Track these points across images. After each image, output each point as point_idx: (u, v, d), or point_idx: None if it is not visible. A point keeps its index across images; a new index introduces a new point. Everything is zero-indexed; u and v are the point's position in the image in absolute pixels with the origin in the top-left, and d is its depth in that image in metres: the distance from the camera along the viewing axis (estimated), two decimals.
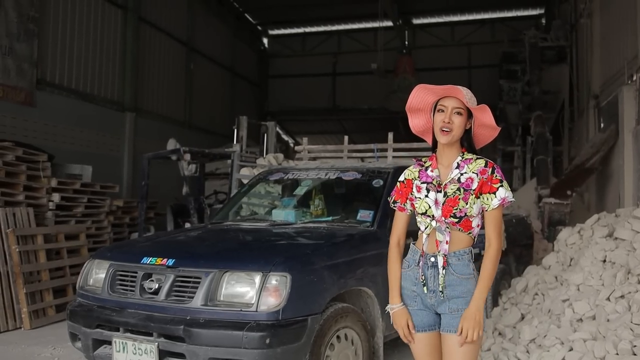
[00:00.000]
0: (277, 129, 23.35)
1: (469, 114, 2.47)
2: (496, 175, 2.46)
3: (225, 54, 19.28)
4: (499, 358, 4.79)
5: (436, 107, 2.49)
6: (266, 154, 9.01)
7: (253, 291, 3.41)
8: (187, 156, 8.74)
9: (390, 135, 6.60)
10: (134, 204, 9.85)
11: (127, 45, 13.30)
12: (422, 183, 2.56)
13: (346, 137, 6.97)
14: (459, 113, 2.44)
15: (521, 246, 7.15)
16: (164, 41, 15.25)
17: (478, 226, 2.52)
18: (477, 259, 2.55)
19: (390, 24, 19.19)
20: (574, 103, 13.85)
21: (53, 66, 11.23)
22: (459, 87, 2.43)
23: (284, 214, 5.27)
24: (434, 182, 2.51)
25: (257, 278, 3.42)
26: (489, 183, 2.45)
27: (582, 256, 5.79)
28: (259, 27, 22.25)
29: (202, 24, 17.26)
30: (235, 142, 9.19)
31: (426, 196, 2.52)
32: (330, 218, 4.95)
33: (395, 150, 6.56)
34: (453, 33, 21.08)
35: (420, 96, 2.51)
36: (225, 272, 3.50)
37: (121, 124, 13.16)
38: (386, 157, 6.58)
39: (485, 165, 2.48)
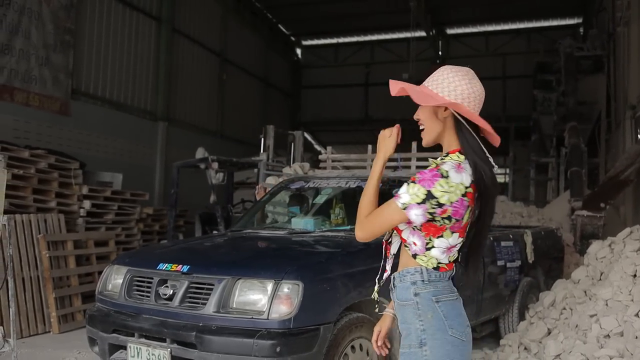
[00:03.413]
0: (310, 139, 23.56)
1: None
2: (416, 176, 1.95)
3: (258, 65, 19.48)
4: None
5: None
6: (293, 162, 9.03)
7: (265, 299, 3.40)
8: (215, 165, 8.85)
9: (414, 145, 6.54)
10: (164, 212, 9.99)
11: (161, 56, 13.56)
12: None
13: (369, 147, 6.93)
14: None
15: (551, 259, 6.97)
16: (197, 52, 15.50)
17: (414, 244, 2.00)
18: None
19: (423, 34, 19.10)
20: (611, 114, 13.49)
21: (88, 76, 11.52)
22: (396, 82, 2.07)
23: (303, 223, 5.27)
24: None
25: (269, 286, 3.41)
26: None
27: (612, 270, 5.63)
28: (292, 38, 22.44)
29: (235, 35, 17.49)
30: (262, 150, 9.25)
31: None
32: (349, 227, 4.92)
33: (419, 159, 6.49)
34: (487, 43, 20.85)
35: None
36: (238, 280, 3.50)
37: (153, 133, 13.40)
38: (409, 167, 6.51)
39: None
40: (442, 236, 1.96)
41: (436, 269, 1.99)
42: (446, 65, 2.05)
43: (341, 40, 22.31)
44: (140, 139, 12.97)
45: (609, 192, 8.92)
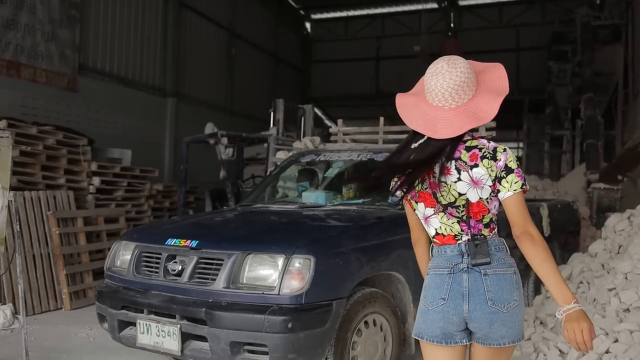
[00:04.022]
0: (320, 114, 23.36)
1: None
2: None
3: (268, 39, 19.23)
4: (539, 348, 4.59)
5: None
6: (303, 137, 8.89)
7: (276, 274, 3.31)
8: (224, 140, 8.75)
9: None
10: (174, 188, 9.93)
11: (168, 31, 13.38)
12: None
13: (382, 119, 6.78)
14: None
15: (567, 233, 6.84)
16: (205, 26, 15.29)
17: None
18: None
19: (435, 5, 18.73)
20: (629, 85, 13.17)
21: (95, 52, 11.39)
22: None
23: (314, 197, 5.17)
24: None
25: (280, 260, 3.32)
26: None
27: (632, 243, 5.52)
28: (302, 12, 22.10)
29: (243, 9, 17.23)
30: (272, 125, 9.11)
31: None
32: (361, 200, 4.80)
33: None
34: (501, 14, 20.42)
35: None
36: (248, 255, 3.41)
37: (162, 110, 13.29)
38: None
39: None
40: (415, 209, 2.21)
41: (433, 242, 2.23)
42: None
43: (351, 13, 21.95)
44: (149, 115, 12.87)
45: (626, 164, 8.73)
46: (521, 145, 18.47)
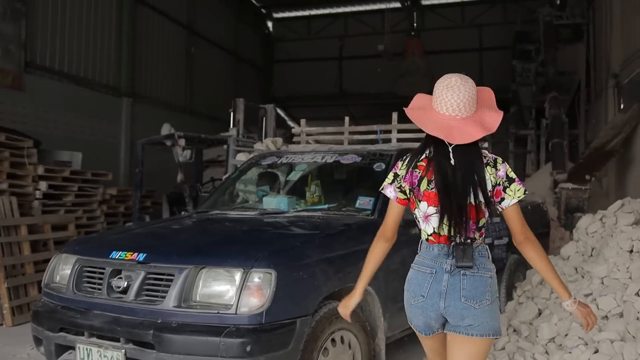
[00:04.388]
0: (283, 115, 22.99)
1: None
2: None
3: (228, 38, 18.75)
4: (515, 358, 4.34)
5: None
6: (265, 138, 8.54)
7: (233, 290, 2.97)
8: (182, 141, 8.45)
9: (395, 116, 6.10)
10: (129, 192, 9.45)
11: (124, 27, 12.82)
12: None
13: (347, 119, 6.48)
14: None
15: (537, 235, 6.63)
16: (163, 23, 14.74)
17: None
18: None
19: (398, 5, 18.58)
20: (591, 84, 13.24)
21: (43, 48, 10.75)
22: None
23: (275, 202, 4.86)
24: None
25: (238, 275, 2.98)
26: None
27: (606, 246, 5.36)
28: (263, 10, 21.67)
29: (202, 7, 16.72)
30: (232, 126, 8.73)
31: None
32: (326, 206, 4.49)
33: (400, 131, 6.06)
34: (464, 14, 20.36)
35: None
36: (202, 269, 3.06)
37: (117, 110, 12.72)
38: (390, 139, 6.08)
39: None
40: (417, 207, 2.43)
41: (426, 240, 2.44)
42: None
43: (314, 12, 21.62)
44: (102, 115, 12.27)
45: (594, 164, 8.63)
46: (485, 145, 18.42)
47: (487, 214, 2.36)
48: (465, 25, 20.21)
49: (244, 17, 19.85)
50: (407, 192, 2.43)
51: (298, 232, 3.89)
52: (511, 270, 5.72)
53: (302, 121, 6.72)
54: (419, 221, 2.44)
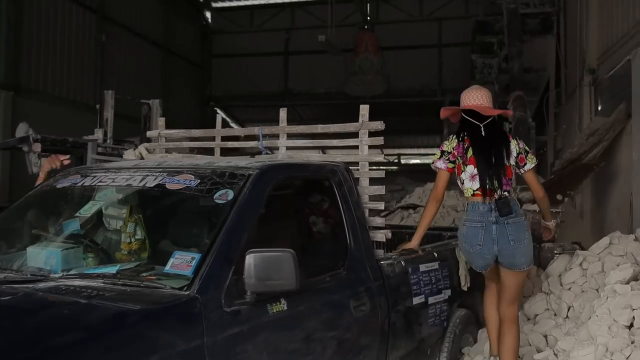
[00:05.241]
0: (224, 116, 20.79)
1: None
2: None
3: (155, 28, 16.44)
4: None
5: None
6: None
7: None
8: (37, 146, 6.56)
9: (283, 114, 4.04)
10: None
11: (2, 6, 10.48)
12: None
13: (218, 117, 4.39)
14: None
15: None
16: (60, 3, 12.39)
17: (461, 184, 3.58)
18: None
19: None
20: (562, 83, 11.45)
21: None
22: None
23: (43, 257, 2.93)
24: None
25: None
26: None
27: (593, 315, 3.64)
28: None
29: None
30: (98, 127, 6.56)
31: None
32: (116, 268, 2.61)
33: (291, 137, 3.99)
34: (421, 6, 18.51)
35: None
36: None
37: None
38: (278, 147, 4.00)
39: None
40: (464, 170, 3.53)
41: (472, 195, 3.50)
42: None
43: (257, 2, 19.49)
44: None
45: (567, 180, 6.70)
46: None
47: (514, 174, 3.56)
48: (423, 19, 18.40)
49: (175, 5, 17.58)
50: (456, 160, 3.49)
51: (40, 335, 1.93)
52: (455, 333, 3.86)
53: (160, 121, 4.60)
54: (464, 182, 3.49)
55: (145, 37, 15.87)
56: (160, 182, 3.05)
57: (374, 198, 3.70)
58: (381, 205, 3.68)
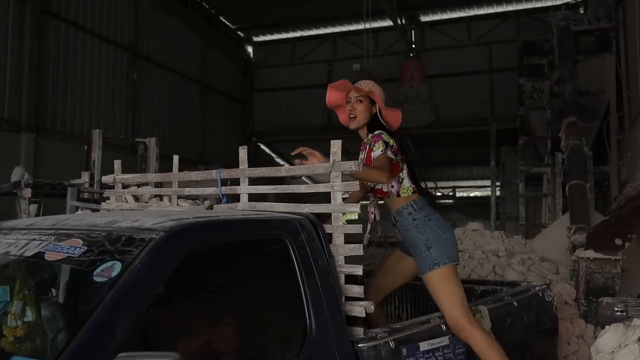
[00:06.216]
0: (269, 151, 20.30)
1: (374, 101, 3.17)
2: (372, 143, 2.99)
3: (192, 63, 16.22)
4: None
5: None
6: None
7: None
8: (27, 192, 6.12)
9: (243, 153, 3.25)
10: None
11: (25, 45, 10.31)
12: None
13: (175, 158, 3.63)
14: (360, 101, 3.16)
15: (531, 344, 3.67)
16: (89, 42, 12.24)
17: (393, 187, 3.12)
18: None
19: (390, 23, 15.93)
20: (624, 106, 10.22)
21: None
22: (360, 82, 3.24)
23: None
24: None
25: None
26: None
27: None
28: (240, 33, 19.16)
29: (151, 24, 14.23)
30: (86, 169, 5.99)
31: None
32: None
33: (255, 181, 3.19)
34: (469, 31, 17.62)
35: (333, 95, 3.35)
36: None
37: (15, 148, 10.15)
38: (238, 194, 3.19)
39: (369, 138, 3.05)
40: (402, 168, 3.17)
41: (413, 192, 3.18)
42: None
43: (298, 34, 19.07)
44: None
45: (628, 221, 5.52)
46: (499, 184, 15.33)
47: None
48: (472, 44, 17.44)
49: (213, 39, 17.35)
50: (397, 156, 3.08)
51: None
52: None
53: (116, 163, 3.92)
54: (402, 181, 3.14)
55: (180, 73, 15.63)
56: (41, 250, 2.32)
57: (351, 260, 2.84)
58: (359, 270, 2.81)
